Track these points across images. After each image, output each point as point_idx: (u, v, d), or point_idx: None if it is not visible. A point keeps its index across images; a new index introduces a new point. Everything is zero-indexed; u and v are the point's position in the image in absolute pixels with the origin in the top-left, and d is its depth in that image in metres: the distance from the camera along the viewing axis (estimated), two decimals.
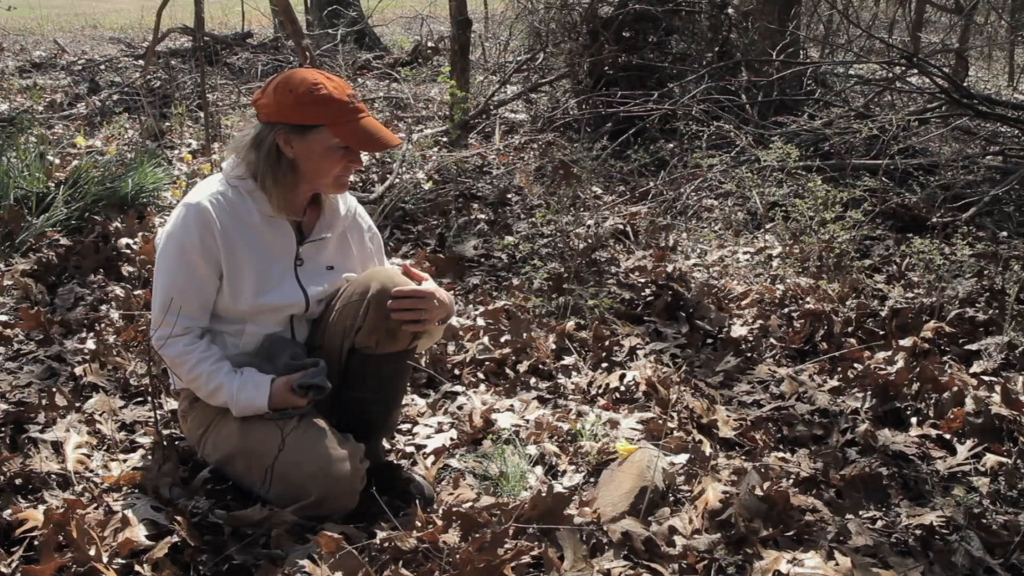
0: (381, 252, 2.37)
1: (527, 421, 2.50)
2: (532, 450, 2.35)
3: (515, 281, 3.72)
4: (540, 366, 2.91)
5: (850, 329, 3.12)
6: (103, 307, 3.21)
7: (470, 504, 2.04)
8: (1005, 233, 4.19)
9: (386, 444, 2.36)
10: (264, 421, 2.02)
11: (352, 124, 2.03)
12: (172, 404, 2.52)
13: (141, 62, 8.75)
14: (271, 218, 2.08)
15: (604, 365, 2.94)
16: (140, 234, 3.83)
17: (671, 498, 2.13)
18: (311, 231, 2.16)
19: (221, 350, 2.07)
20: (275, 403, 2.01)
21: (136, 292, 3.28)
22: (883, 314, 3.21)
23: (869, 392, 2.67)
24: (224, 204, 2.04)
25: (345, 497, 1.99)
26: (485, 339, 3.04)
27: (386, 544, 1.83)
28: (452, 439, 2.41)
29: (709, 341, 3.19)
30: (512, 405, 2.63)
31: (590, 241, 4.05)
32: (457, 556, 1.76)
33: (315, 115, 2.00)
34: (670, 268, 3.60)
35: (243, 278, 2.05)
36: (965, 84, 6.49)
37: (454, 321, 3.00)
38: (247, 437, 2.03)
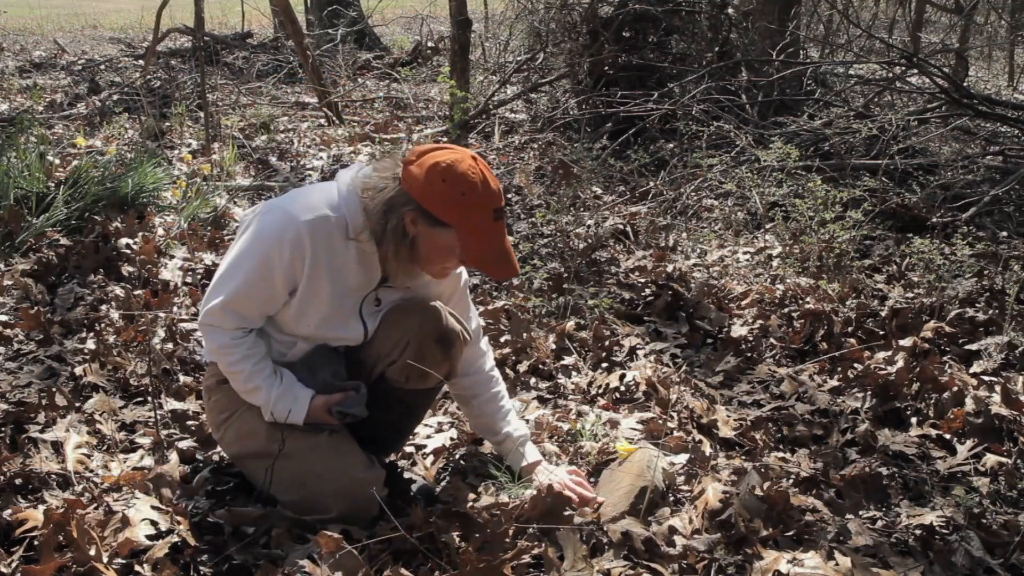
0: (466, 298, 2.28)
1: (527, 421, 2.50)
2: None
3: (515, 281, 3.72)
4: (540, 366, 2.91)
5: (850, 329, 3.12)
6: (103, 307, 3.21)
7: (470, 504, 2.05)
8: (1005, 233, 4.19)
9: None
10: (295, 430, 2.02)
11: (484, 241, 1.93)
12: (172, 404, 2.52)
13: (141, 62, 8.76)
14: (366, 255, 2.00)
15: (604, 365, 2.94)
16: (140, 234, 3.83)
17: (671, 498, 2.13)
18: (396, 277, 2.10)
19: (266, 349, 2.04)
20: (310, 419, 2.02)
21: (136, 292, 3.28)
22: (883, 314, 3.21)
23: (869, 392, 2.67)
24: (323, 236, 1.94)
25: (362, 519, 1.98)
26: (485, 339, 3.03)
27: (386, 544, 1.83)
28: (452, 439, 2.41)
29: (709, 341, 3.19)
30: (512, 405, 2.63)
31: (590, 241, 4.05)
32: (457, 556, 1.76)
33: (453, 217, 1.89)
34: (670, 268, 3.60)
35: (313, 306, 2.00)
36: (965, 84, 6.49)
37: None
38: (275, 444, 2.02)
